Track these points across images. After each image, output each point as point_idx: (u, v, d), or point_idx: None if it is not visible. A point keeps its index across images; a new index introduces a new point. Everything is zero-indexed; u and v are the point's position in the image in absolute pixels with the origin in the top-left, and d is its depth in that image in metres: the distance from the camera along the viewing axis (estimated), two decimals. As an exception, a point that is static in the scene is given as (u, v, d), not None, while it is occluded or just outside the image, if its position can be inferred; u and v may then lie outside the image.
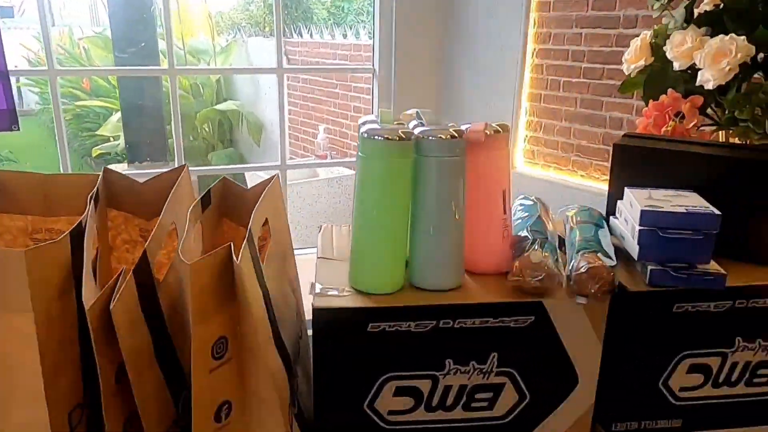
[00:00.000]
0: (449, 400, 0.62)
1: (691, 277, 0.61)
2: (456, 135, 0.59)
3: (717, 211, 0.61)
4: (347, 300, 0.59)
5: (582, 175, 2.07)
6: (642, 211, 0.62)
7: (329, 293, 0.60)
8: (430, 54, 2.53)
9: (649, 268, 0.62)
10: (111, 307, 0.49)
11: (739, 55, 0.92)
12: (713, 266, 0.62)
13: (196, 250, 0.63)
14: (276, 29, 2.32)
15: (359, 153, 0.59)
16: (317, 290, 0.60)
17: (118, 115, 4.60)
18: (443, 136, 0.59)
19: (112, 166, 0.90)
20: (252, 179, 4.38)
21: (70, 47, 5.43)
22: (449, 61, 2.52)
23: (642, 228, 0.62)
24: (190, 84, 4.92)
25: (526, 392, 0.63)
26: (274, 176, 0.75)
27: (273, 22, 4.61)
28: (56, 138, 1.72)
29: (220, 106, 4.83)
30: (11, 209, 0.70)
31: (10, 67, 1.47)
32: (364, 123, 0.61)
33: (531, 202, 0.76)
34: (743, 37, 0.93)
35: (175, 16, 4.57)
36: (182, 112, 4.69)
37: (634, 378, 0.65)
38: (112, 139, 4.87)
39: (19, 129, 1.54)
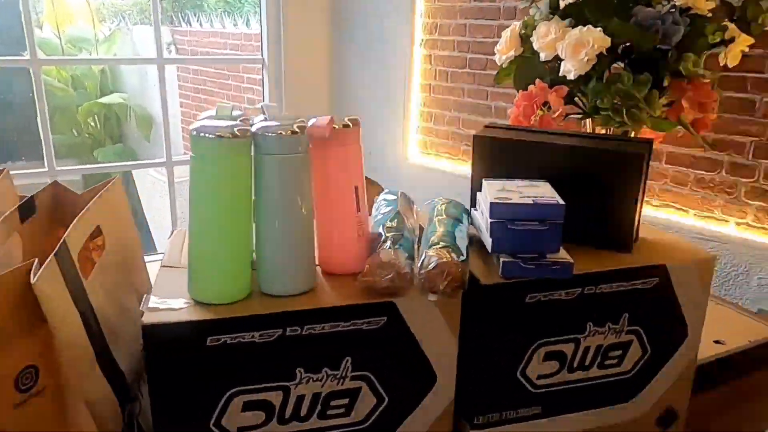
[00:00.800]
0: (303, 411, 0.58)
1: (539, 267, 0.61)
2: (297, 131, 0.56)
3: (561, 201, 0.62)
4: (182, 313, 0.54)
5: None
6: (491, 204, 0.62)
7: (165, 306, 0.55)
8: (321, 44, 2.48)
9: (502, 260, 0.62)
10: None
11: (596, 46, 0.95)
12: (562, 255, 0.63)
13: (9, 266, 0.56)
14: (153, 16, 2.18)
15: (191, 153, 0.54)
16: (150, 304, 0.55)
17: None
18: (283, 133, 0.55)
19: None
20: (141, 177, 4.13)
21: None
22: (340, 52, 2.48)
23: (492, 220, 0.62)
24: (70, 76, 4.55)
25: (384, 394, 0.61)
26: (111, 179, 0.68)
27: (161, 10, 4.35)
28: None
29: (104, 99, 4.50)
30: None
31: None
32: (200, 120, 0.56)
33: (393, 197, 0.75)
34: (600, 29, 0.96)
35: (47, 3, 4.21)
36: (62, 105, 4.34)
37: (492, 370, 0.65)
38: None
39: None
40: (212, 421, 0.56)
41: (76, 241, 0.55)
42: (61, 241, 0.51)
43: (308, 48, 2.44)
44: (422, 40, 2.19)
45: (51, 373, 0.49)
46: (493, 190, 0.66)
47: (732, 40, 0.99)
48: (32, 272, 0.46)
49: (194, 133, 0.53)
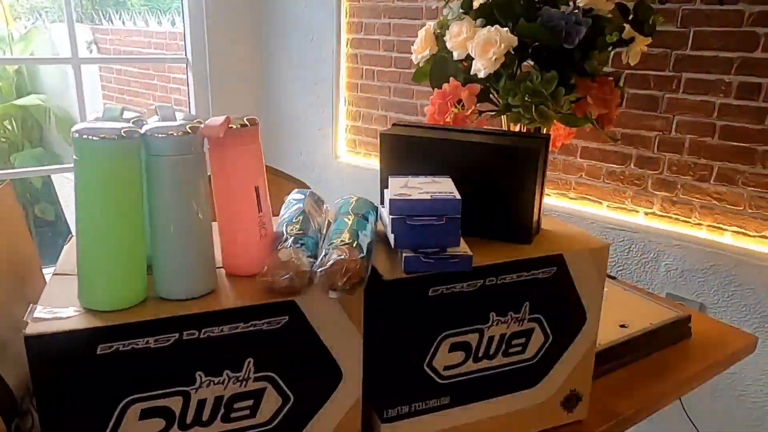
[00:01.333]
0: (205, 415, 0.58)
1: (439, 261, 0.63)
2: (189, 132, 0.55)
3: (458, 196, 0.63)
4: (70, 322, 0.52)
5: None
6: (390, 200, 0.63)
7: (52, 316, 0.53)
8: (246, 43, 2.44)
9: (403, 255, 0.63)
10: None
11: (503, 45, 0.98)
12: (462, 249, 0.65)
13: None
14: (66, 12, 2.09)
15: (73, 156, 0.52)
16: (36, 314, 0.52)
17: None
18: (173, 134, 0.54)
19: None
20: (64, 182, 3.94)
21: None
22: (267, 51, 2.45)
23: (392, 216, 0.63)
24: (-18, 76, 4.29)
25: (290, 394, 0.61)
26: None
27: (80, 7, 4.16)
28: None
29: (20, 101, 4.26)
30: None
31: None
32: (85, 122, 0.54)
33: (302, 196, 0.75)
34: (506, 29, 0.99)
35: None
36: (-28, 108, 4.06)
37: (399, 364, 0.67)
38: None
39: None
40: (108, 432, 0.54)
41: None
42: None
43: (233, 47, 2.40)
44: (348, 39, 2.20)
45: None
46: (396, 187, 0.67)
47: (632, 39, 1.04)
48: None
49: (76, 135, 0.51)
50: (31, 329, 0.50)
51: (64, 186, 3.88)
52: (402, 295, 0.64)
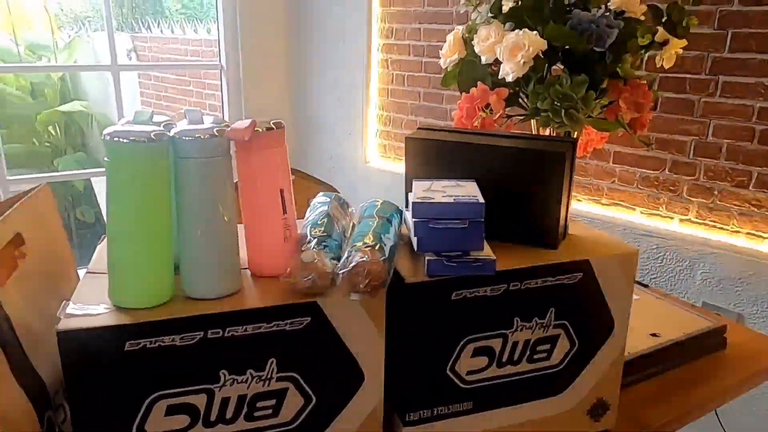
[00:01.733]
0: (229, 413, 0.59)
1: (462, 265, 0.63)
2: (216, 134, 0.56)
3: (481, 200, 0.63)
4: (100, 319, 0.54)
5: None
6: (413, 204, 0.63)
7: (83, 312, 0.55)
8: (279, 49, 2.48)
9: (426, 258, 0.63)
10: None
11: (531, 49, 0.97)
12: (486, 253, 0.65)
13: None
14: (107, 22, 2.15)
15: (105, 158, 0.54)
16: (67, 311, 0.54)
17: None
18: (201, 136, 0.56)
19: None
20: (100, 186, 4.06)
21: None
22: (298, 56, 2.48)
23: (415, 219, 0.63)
24: (29, 83, 4.46)
25: (312, 395, 0.61)
26: (37, 186, 0.67)
27: (120, 16, 4.30)
28: None
29: (64, 107, 4.42)
30: None
31: None
32: (117, 125, 0.56)
33: (327, 199, 0.75)
34: (535, 32, 0.99)
35: (1, 8, 4.12)
36: (19, 114, 4.25)
37: (421, 367, 0.66)
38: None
39: None
40: (134, 427, 0.56)
41: (-9, 248, 0.54)
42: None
43: (266, 53, 2.44)
44: (379, 44, 2.21)
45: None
46: (419, 190, 0.67)
47: (666, 42, 1.02)
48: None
49: (107, 138, 0.53)
50: (63, 325, 0.52)
51: (104, 190, 4.00)
52: (424, 298, 0.64)
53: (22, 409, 0.52)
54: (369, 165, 2.28)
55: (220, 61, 2.41)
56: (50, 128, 4.62)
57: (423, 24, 2.02)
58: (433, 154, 0.77)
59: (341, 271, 0.58)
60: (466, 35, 1.13)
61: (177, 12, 3.95)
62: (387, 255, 0.61)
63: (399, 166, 2.21)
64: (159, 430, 0.57)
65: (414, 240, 0.65)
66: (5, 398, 0.50)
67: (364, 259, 0.58)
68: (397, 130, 2.21)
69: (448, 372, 0.67)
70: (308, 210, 0.76)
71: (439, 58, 2.18)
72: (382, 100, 2.25)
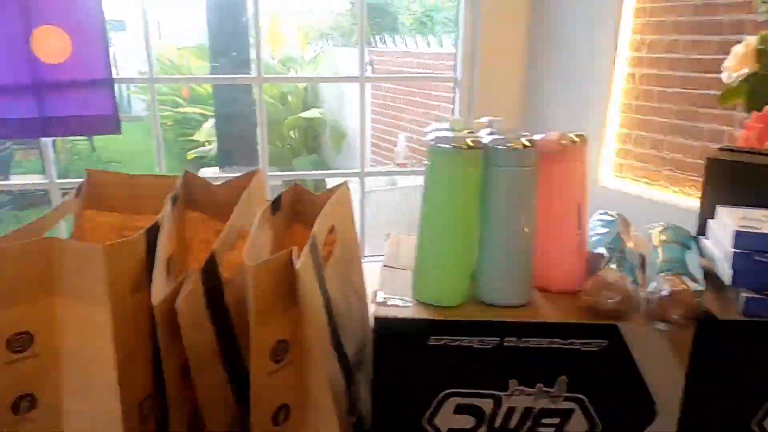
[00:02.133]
0: (513, 422, 0.59)
1: (792, 308, 0.54)
2: (528, 145, 0.57)
3: (825, 235, 0.54)
4: (409, 311, 0.58)
5: (675, 191, 1.94)
6: (736, 233, 0.57)
7: (391, 303, 0.59)
8: (516, 63, 2.47)
9: (744, 295, 0.57)
10: (176, 305, 0.50)
11: None
12: (818, 297, 0.56)
13: (263, 253, 0.64)
14: (360, 39, 2.36)
15: (426, 161, 0.58)
16: (379, 299, 0.59)
17: (212, 121, 4.85)
18: (514, 146, 0.57)
19: (203, 170, 0.93)
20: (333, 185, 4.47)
21: (176, 58, 5.77)
22: (535, 70, 2.44)
23: (736, 251, 0.57)
24: (279, 92, 5.11)
25: (598, 421, 0.58)
26: (342, 183, 0.75)
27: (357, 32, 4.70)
28: (155, 141, 1.83)
29: (305, 114, 4.97)
30: (101, 207, 0.74)
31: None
32: (432, 131, 0.60)
33: (611, 218, 0.72)
34: None
35: (267, 27, 4.77)
36: (270, 119, 4.88)
37: (720, 413, 0.59)
38: (206, 144, 5.14)
39: (120, 133, 1.63)
40: (425, 418, 0.59)
41: (320, 236, 0.61)
42: (312, 235, 0.57)
43: (503, 67, 2.44)
44: (627, 57, 2.08)
45: (298, 348, 0.55)
46: (733, 218, 0.60)
47: None
48: (294, 259, 0.52)
49: (432, 143, 0.56)
50: (381, 311, 0.57)
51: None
52: (737, 339, 0.57)
53: (339, 378, 0.58)
54: (599, 184, 2.15)
55: (455, 74, 2.49)
56: (291, 132, 5.23)
57: (684, 35, 1.85)
58: (741, 178, 0.69)
59: (650, 297, 0.54)
60: (761, 47, 1.01)
61: (411, 27, 4.20)
62: (701, 287, 0.55)
63: (634, 187, 2.05)
64: (447, 426, 0.59)
65: (726, 273, 0.59)
66: (330, 365, 0.56)
67: (678, 288, 0.53)
68: (637, 149, 2.05)
69: (752, 424, 0.59)
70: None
71: (700, 72, 1.97)
72: (624, 117, 2.11)
